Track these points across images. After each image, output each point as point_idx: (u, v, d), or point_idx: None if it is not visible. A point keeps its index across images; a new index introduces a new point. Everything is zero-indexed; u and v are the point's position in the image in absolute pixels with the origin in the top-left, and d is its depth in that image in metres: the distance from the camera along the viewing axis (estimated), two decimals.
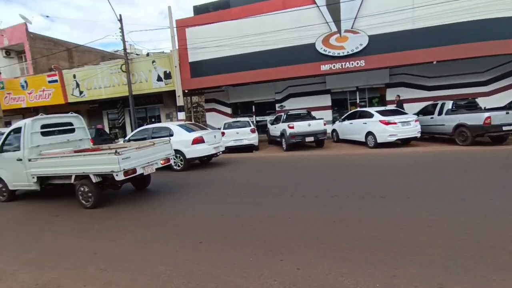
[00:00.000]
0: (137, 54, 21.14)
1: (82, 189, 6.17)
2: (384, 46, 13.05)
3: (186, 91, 15.86)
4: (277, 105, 17.02)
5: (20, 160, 6.82)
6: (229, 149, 12.56)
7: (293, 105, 16.32)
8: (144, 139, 9.44)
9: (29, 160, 6.66)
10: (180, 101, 14.81)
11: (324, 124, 12.11)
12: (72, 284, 3.19)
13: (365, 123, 11.53)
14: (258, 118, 17.75)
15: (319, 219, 4.41)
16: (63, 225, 5.21)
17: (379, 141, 10.86)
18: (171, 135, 9.52)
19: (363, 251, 3.34)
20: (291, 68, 14.15)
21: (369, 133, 11.32)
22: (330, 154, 10.72)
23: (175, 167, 9.49)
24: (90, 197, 6.12)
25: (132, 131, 16.84)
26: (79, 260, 3.75)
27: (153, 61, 16.42)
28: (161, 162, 6.81)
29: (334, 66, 13.66)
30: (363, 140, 11.63)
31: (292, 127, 11.66)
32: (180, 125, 10.21)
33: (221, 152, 10.41)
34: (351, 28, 13.45)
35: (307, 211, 4.79)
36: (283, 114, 13.23)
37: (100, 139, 14.46)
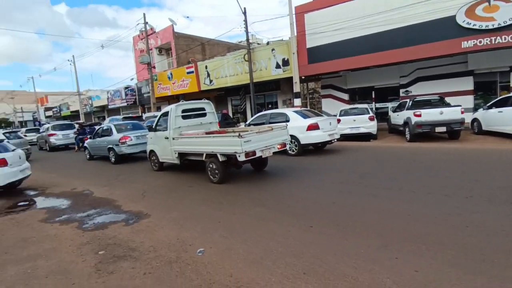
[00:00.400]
0: (258, 44, 22.48)
1: (211, 166, 7.07)
2: None
3: (303, 77, 16.02)
4: (401, 91, 15.31)
5: (167, 138, 8.27)
6: (345, 137, 12.14)
7: (422, 90, 14.36)
8: (263, 123, 10.03)
9: (173, 138, 8.04)
10: (296, 88, 15.10)
11: (462, 112, 10.24)
12: (201, 244, 3.84)
13: None
14: (378, 105, 16.43)
15: (448, 221, 3.89)
16: (195, 195, 6.22)
17: None
18: (287, 120, 9.77)
19: (502, 266, 2.81)
20: (422, 48, 12.38)
21: None
22: (467, 148, 9.08)
23: (289, 151, 9.78)
24: (217, 173, 6.94)
25: (252, 116, 18.26)
26: (207, 226, 4.45)
27: (273, 49, 17.15)
28: (278, 146, 7.15)
29: (480, 42, 11.26)
30: None
31: (419, 115, 10.31)
32: (296, 111, 10.37)
33: (335, 140, 10.22)
34: None
35: (432, 211, 4.27)
36: (408, 100, 11.84)
37: (225, 123, 16.33)
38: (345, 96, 17.11)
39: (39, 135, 21.55)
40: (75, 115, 38.76)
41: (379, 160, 8.34)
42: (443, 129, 10.21)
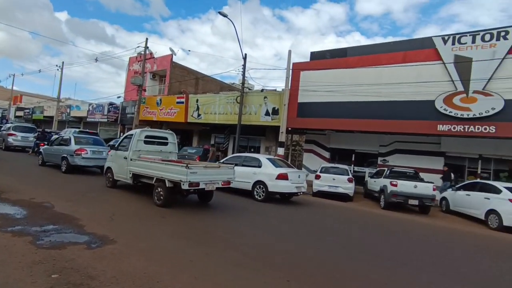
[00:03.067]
0: (249, 89, 23.29)
1: (158, 190, 7.59)
2: None
3: (289, 128, 16.48)
4: (379, 159, 16.02)
5: (125, 158, 8.84)
6: (322, 194, 12.27)
7: (399, 161, 15.09)
8: (236, 164, 10.19)
9: (131, 159, 8.60)
10: (282, 137, 15.43)
11: (434, 189, 10.77)
12: (169, 283, 3.52)
13: (488, 199, 9.78)
14: (356, 168, 16.98)
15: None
16: (168, 227, 5.87)
17: (505, 223, 9.00)
18: (260, 166, 10.25)
19: None
20: (403, 123, 13.27)
21: (491, 211, 9.52)
22: (437, 225, 9.36)
23: (256, 196, 9.92)
24: (162, 197, 7.46)
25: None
26: (178, 263, 4.14)
27: (265, 97, 17.76)
28: (222, 183, 7.77)
29: (454, 128, 12.23)
30: (482, 217, 9.83)
31: (395, 185, 10.73)
32: (269, 159, 10.74)
33: (301, 193, 10.57)
34: (483, 89, 11.97)
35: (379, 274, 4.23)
36: (386, 169, 12.35)
37: (206, 157, 16.37)
38: (326, 154, 17.61)
39: None
40: (48, 120, 37.03)
41: (349, 222, 8.37)
42: (416, 202, 10.59)
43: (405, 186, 10.73)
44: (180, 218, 6.69)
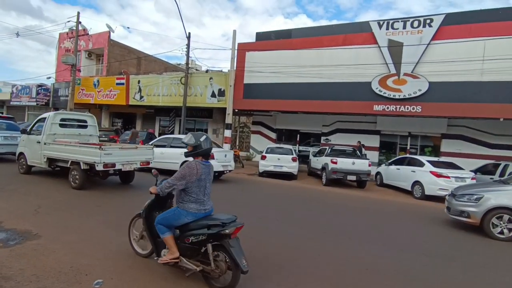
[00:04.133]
0: (196, 70, 22.54)
1: (73, 172, 7.67)
2: (445, 94, 12.43)
3: (236, 110, 16.41)
4: (322, 138, 16.83)
5: (39, 142, 8.52)
6: (268, 174, 12.57)
7: (340, 140, 16.01)
8: (164, 146, 11.14)
9: (45, 143, 8.37)
10: (229, 119, 15.32)
11: (369, 165, 11.64)
12: (100, 274, 3.34)
13: (414, 172, 10.86)
14: (301, 148, 17.64)
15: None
16: (103, 216, 5.54)
17: (427, 193, 10.12)
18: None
19: None
20: (342, 104, 14.01)
21: (416, 183, 10.62)
22: (371, 197, 10.19)
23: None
24: (77, 179, 7.55)
25: None
26: (111, 252, 3.94)
27: (211, 78, 17.34)
28: (141, 163, 8.09)
29: (387, 108, 13.25)
30: (409, 189, 10.94)
31: (335, 162, 11.38)
32: None
33: (228, 171, 11.24)
34: (411, 72, 13.07)
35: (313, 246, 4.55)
36: (327, 148, 13.01)
37: (149, 141, 15.55)
38: (273, 135, 17.99)
39: None
40: None
41: (292, 197, 8.74)
42: (354, 177, 11.36)
43: (344, 163, 11.42)
44: (116, 206, 6.34)
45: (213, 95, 17.06)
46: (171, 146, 11.02)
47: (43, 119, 8.81)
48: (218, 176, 11.05)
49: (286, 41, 15.75)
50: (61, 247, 4.00)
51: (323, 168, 12.08)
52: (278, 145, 14.10)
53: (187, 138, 3.36)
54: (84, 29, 22.03)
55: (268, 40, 16.54)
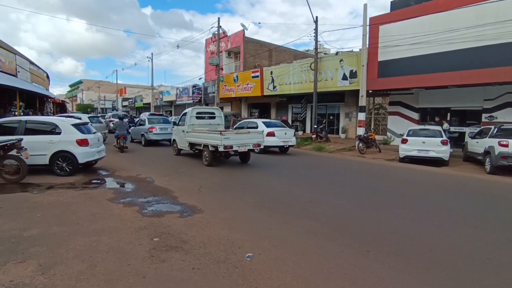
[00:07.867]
0: (325, 53, 22.08)
1: (204, 153, 10.02)
2: None
3: (370, 91, 15.26)
4: (484, 115, 13.65)
5: (183, 131, 11.35)
6: (410, 159, 11.25)
7: (510, 117, 12.63)
8: (243, 128, 13.14)
9: (187, 132, 11.05)
10: (362, 102, 14.42)
11: None
12: (250, 249, 3.80)
13: None
14: (452, 129, 14.88)
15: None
16: (249, 197, 6.25)
17: None
18: (256, 127, 12.91)
19: None
20: None
21: None
22: None
23: (255, 150, 11.24)
24: (207, 159, 9.82)
25: (311, 125, 18.03)
26: (258, 231, 4.41)
27: (341, 60, 16.66)
28: (253, 145, 9.78)
29: None
30: None
31: (506, 145, 9.04)
32: (264, 122, 13.55)
33: (288, 146, 13.33)
34: None
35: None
36: (493, 127, 10.46)
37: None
38: (415, 115, 15.85)
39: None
40: (146, 107, 42.36)
41: (444, 189, 7.48)
42: None
43: None
44: (259, 190, 7.03)
45: (344, 77, 16.39)
46: (248, 128, 13.01)
47: (185, 114, 11.64)
48: (285, 150, 13.65)
49: (431, 3, 13.37)
50: (219, 222, 4.76)
51: (487, 153, 9.81)
52: (422, 127, 12.30)
53: None
54: (224, 32, 24.99)
55: (406, 7, 14.47)
